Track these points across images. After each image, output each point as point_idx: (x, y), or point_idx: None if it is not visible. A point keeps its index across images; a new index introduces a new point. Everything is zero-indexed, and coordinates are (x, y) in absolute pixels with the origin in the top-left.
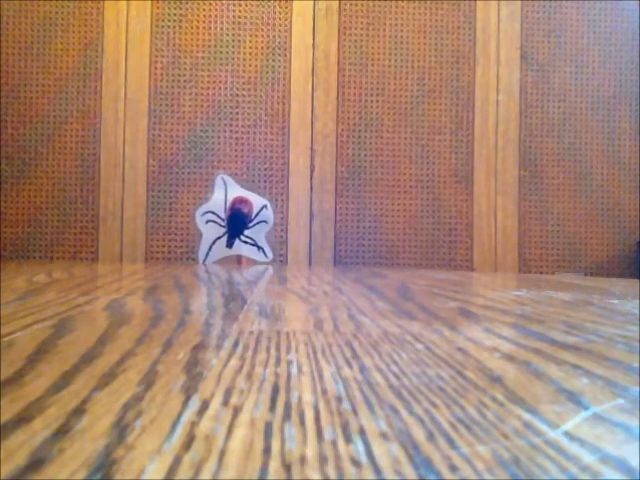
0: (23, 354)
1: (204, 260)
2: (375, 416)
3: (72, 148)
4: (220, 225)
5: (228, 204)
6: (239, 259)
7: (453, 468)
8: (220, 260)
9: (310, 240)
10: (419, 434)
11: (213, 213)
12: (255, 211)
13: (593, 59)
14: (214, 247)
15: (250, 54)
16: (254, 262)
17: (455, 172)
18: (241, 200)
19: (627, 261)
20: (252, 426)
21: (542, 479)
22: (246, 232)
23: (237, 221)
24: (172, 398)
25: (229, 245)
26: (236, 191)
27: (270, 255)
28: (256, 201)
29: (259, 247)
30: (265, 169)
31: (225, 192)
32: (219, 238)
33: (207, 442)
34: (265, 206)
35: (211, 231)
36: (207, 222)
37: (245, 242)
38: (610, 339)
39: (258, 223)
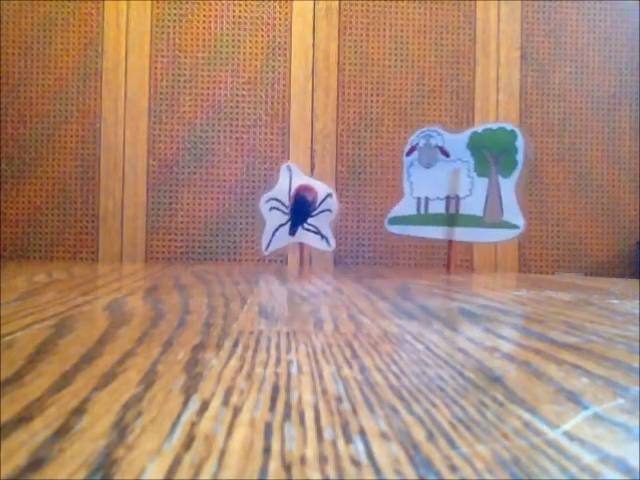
0: (23, 354)
1: (266, 247)
2: (375, 416)
3: (72, 148)
4: (284, 212)
5: (292, 191)
6: (301, 247)
7: (453, 468)
8: (283, 248)
9: None
10: (419, 434)
11: (277, 200)
12: (319, 199)
13: (593, 59)
14: (277, 234)
15: (250, 54)
16: (312, 251)
17: None
18: (306, 187)
19: (627, 261)
20: (252, 426)
21: (542, 479)
22: (309, 220)
23: (301, 208)
24: (172, 398)
25: (292, 233)
26: (301, 179)
27: (333, 244)
28: (321, 189)
29: (322, 235)
30: (265, 169)
31: (290, 179)
32: (282, 225)
33: (207, 442)
34: (330, 194)
35: (274, 218)
36: (271, 209)
37: (308, 230)
38: (610, 339)
39: (322, 211)
